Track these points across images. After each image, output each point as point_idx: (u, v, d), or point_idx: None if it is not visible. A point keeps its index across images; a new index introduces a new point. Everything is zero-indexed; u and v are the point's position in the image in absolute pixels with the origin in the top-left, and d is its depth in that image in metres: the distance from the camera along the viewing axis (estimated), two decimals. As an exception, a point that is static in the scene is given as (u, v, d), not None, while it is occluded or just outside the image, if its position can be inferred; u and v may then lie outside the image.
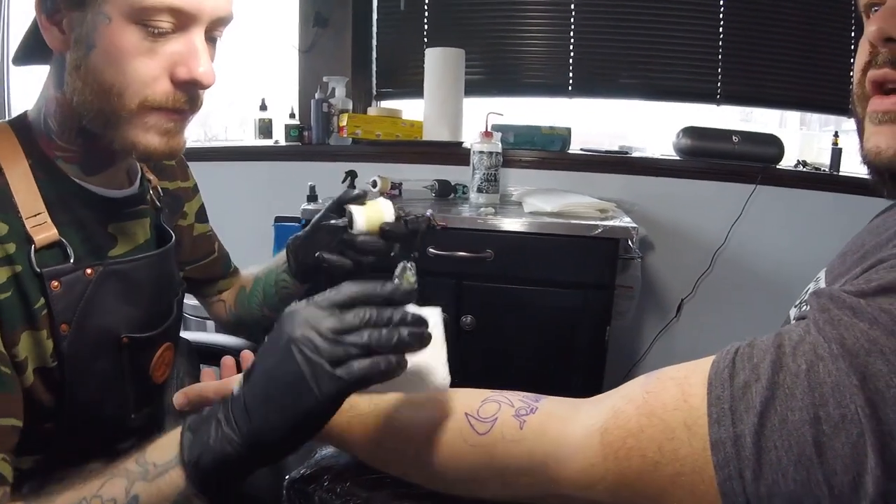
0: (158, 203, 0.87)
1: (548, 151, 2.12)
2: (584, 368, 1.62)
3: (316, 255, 0.89)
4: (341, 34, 2.29)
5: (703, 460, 0.43)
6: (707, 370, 0.46)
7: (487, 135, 1.82)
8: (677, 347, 2.15)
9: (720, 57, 2.15)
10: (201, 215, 1.03)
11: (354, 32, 2.30)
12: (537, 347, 1.65)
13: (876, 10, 0.53)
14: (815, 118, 2.44)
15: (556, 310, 1.61)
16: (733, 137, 1.99)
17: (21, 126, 0.71)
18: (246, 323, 1.06)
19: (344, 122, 2.11)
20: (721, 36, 2.14)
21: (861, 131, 0.53)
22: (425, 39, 2.30)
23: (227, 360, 0.75)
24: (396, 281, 0.82)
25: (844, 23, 2.10)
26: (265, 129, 2.35)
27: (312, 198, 1.90)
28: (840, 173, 2.04)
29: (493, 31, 2.27)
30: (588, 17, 2.19)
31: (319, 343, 0.49)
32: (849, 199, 1.92)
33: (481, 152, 1.80)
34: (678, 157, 2.09)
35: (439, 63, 2.07)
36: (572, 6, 2.19)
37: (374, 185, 1.80)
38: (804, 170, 2.07)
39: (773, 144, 1.99)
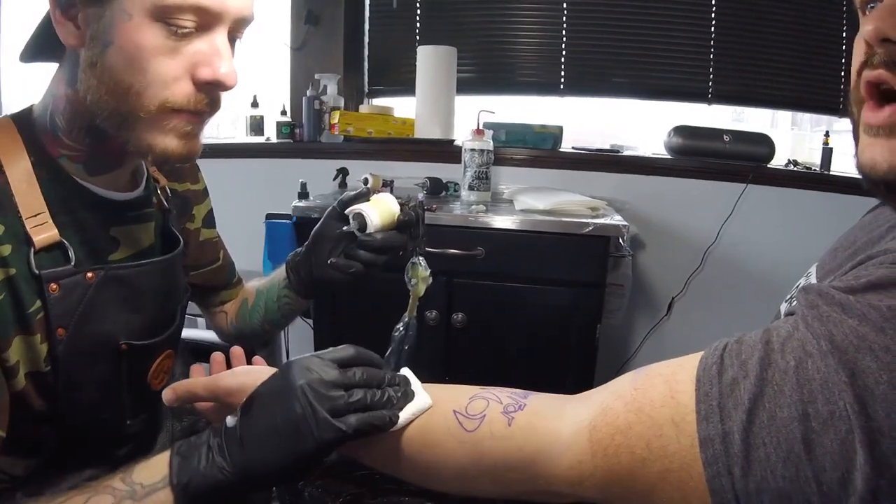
0: (166, 204, 0.84)
1: (539, 149, 2.12)
2: (574, 366, 1.62)
3: (329, 262, 0.86)
4: (333, 32, 2.28)
5: (691, 457, 0.43)
6: (695, 366, 0.46)
7: (479, 132, 1.82)
8: (668, 345, 2.15)
9: (712, 56, 2.16)
10: (209, 220, 0.99)
11: (346, 30, 2.29)
12: (528, 345, 1.65)
13: (872, 7, 0.51)
14: (806, 118, 2.45)
15: (547, 308, 1.61)
16: (724, 136, 2.00)
17: (24, 121, 0.69)
18: (246, 335, 1.03)
19: (335, 120, 2.10)
20: (713, 35, 2.15)
21: (857, 136, 0.52)
22: (417, 37, 2.30)
23: (217, 357, 0.75)
24: (409, 280, 0.81)
25: (836, 23, 2.11)
26: (256, 126, 2.35)
27: (304, 195, 1.89)
28: (830, 172, 2.05)
29: (485, 29, 2.27)
30: (580, 16, 2.20)
31: (324, 393, 0.54)
32: (839, 198, 1.93)
33: (473, 150, 1.80)
34: (669, 156, 2.10)
35: (431, 61, 2.07)
36: (564, 5, 2.19)
37: (366, 182, 1.80)
38: (795, 169, 2.08)
39: (764, 144, 2.00)
